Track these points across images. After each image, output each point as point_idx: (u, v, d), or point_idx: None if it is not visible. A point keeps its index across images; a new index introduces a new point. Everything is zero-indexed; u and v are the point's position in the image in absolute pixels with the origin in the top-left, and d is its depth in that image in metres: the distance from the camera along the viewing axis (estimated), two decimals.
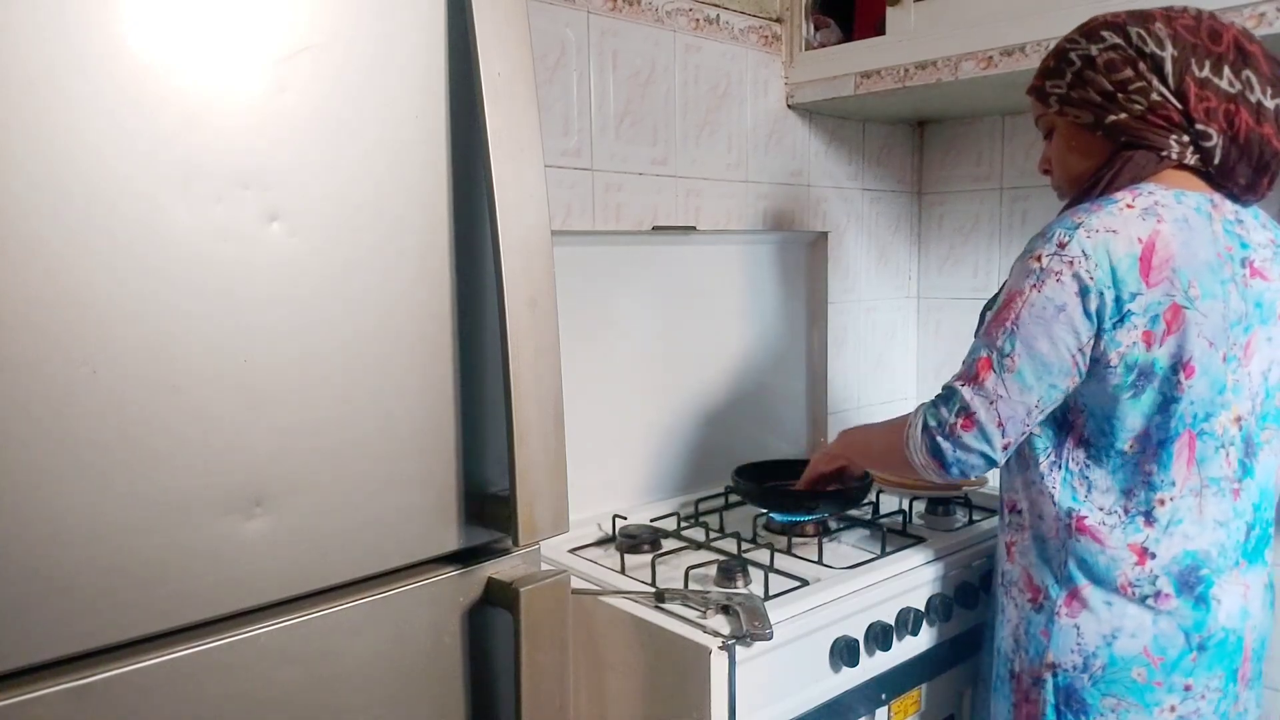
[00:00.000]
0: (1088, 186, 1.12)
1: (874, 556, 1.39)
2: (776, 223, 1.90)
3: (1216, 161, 1.08)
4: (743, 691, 1.13)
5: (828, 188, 2.00)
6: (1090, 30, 1.13)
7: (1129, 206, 1.06)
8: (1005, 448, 1.11)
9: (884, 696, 1.32)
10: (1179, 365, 1.05)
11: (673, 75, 1.67)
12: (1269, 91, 1.06)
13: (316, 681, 0.76)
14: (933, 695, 1.41)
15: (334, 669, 0.77)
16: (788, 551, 1.40)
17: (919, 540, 1.46)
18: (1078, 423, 1.12)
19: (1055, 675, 1.14)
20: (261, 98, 0.70)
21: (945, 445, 1.10)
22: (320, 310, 0.74)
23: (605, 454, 1.65)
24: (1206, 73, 1.05)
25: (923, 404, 1.15)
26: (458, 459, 0.84)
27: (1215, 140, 1.06)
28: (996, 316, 1.10)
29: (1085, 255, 1.03)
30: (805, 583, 1.27)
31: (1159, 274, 1.03)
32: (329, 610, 0.76)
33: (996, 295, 1.18)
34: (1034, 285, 1.06)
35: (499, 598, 0.85)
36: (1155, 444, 1.08)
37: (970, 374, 1.10)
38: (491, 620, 0.86)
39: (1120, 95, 1.08)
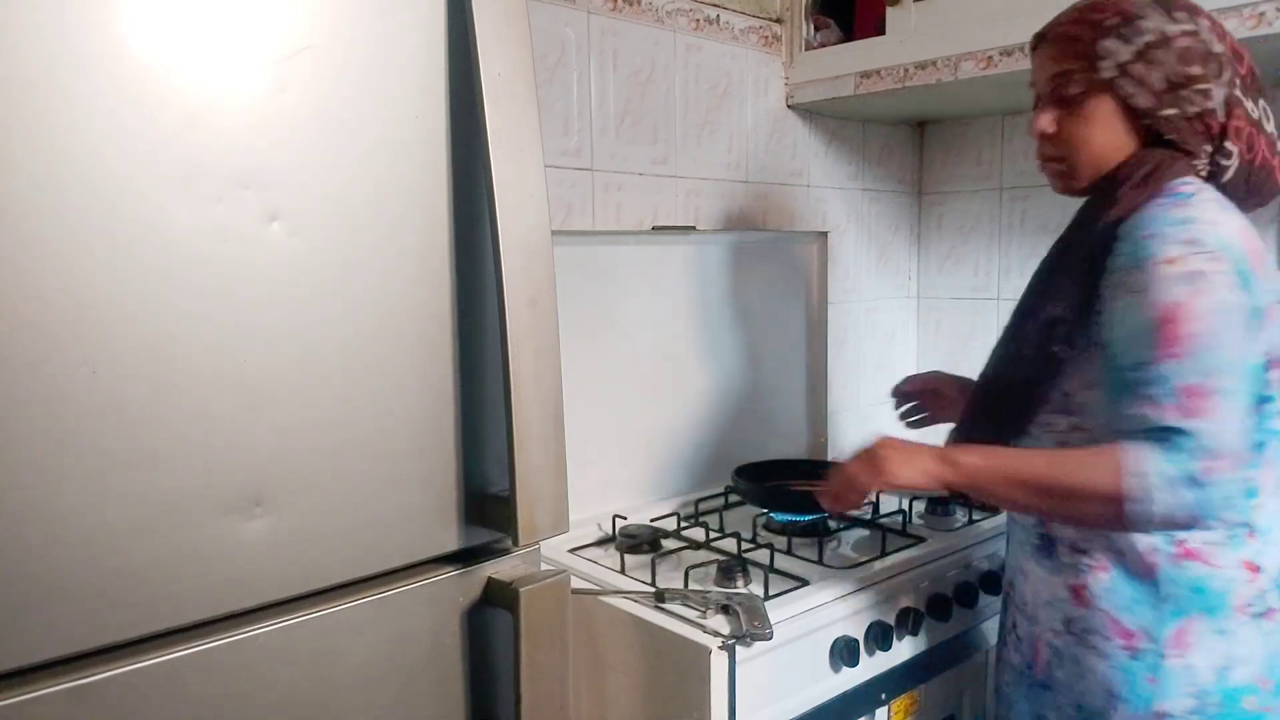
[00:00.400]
0: (1134, 185, 1.00)
1: (874, 556, 1.39)
2: (777, 223, 1.90)
3: (1222, 180, 1.03)
4: (743, 691, 1.13)
5: (828, 188, 2.00)
6: (1166, 4, 1.01)
7: (1208, 199, 0.98)
8: (1250, 479, 0.99)
9: (884, 696, 1.32)
10: (1270, 363, 0.98)
11: (673, 75, 1.67)
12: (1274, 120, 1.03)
13: (316, 681, 0.76)
14: (933, 695, 1.41)
15: (334, 669, 0.77)
16: (788, 551, 1.40)
17: (919, 540, 1.46)
18: None
19: None
20: (261, 98, 0.70)
21: (1205, 496, 0.91)
22: (320, 310, 0.74)
23: (605, 454, 1.65)
24: (1239, 91, 1.01)
25: (1129, 446, 0.94)
26: (458, 459, 0.84)
27: (1233, 162, 1.02)
28: (1166, 334, 0.93)
29: (1225, 248, 0.94)
30: (805, 583, 1.27)
31: (1261, 265, 0.97)
32: (329, 610, 0.76)
33: (1036, 300, 1.08)
34: (1193, 292, 0.93)
35: (499, 598, 0.85)
36: (1251, 448, 0.98)
37: (1188, 405, 0.92)
38: (491, 620, 0.86)
39: (1184, 90, 1.00)
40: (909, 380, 1.46)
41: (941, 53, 1.62)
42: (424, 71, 0.79)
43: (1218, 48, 1.00)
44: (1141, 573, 1.02)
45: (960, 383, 1.38)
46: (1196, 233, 0.94)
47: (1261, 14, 1.27)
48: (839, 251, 2.05)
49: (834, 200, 2.02)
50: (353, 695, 0.78)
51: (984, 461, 1.06)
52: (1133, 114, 1.02)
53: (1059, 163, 1.09)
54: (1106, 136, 1.04)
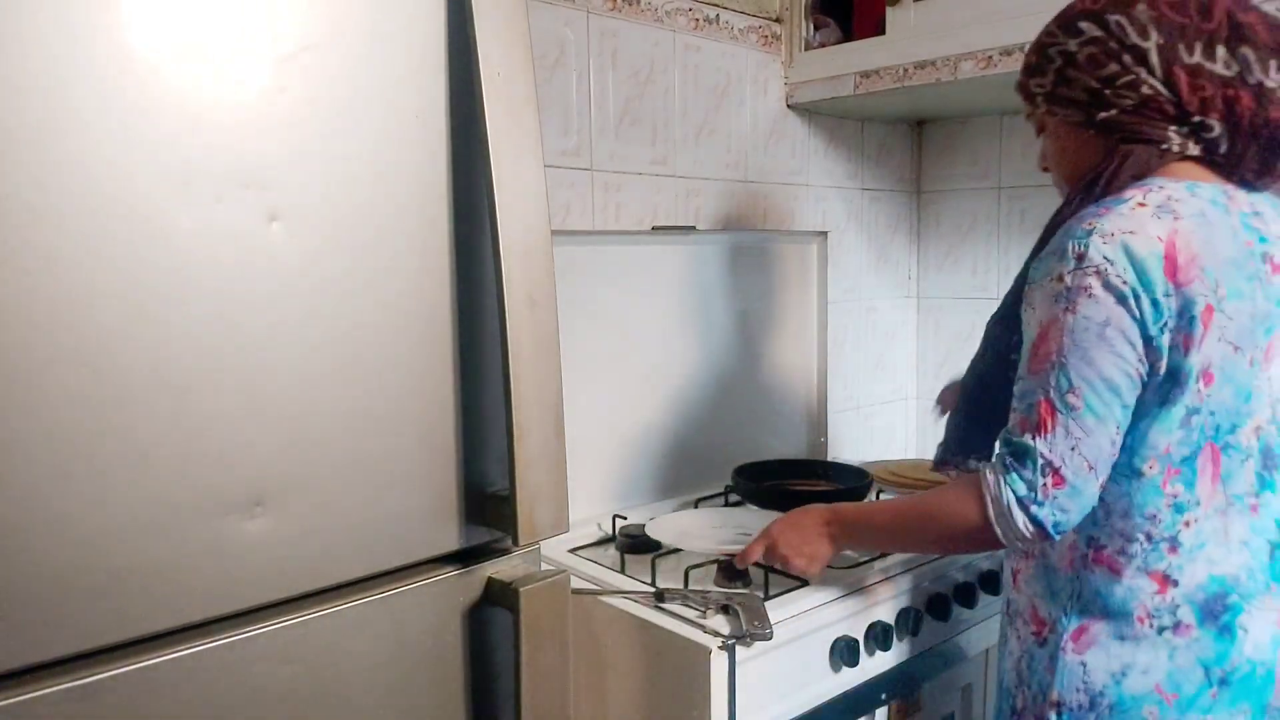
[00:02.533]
0: (1087, 185, 1.04)
1: (874, 556, 1.38)
2: (777, 222, 1.90)
3: (1223, 150, 1.00)
4: (743, 691, 1.13)
5: (827, 187, 2.00)
6: (1067, 22, 1.05)
7: (1141, 205, 0.97)
8: (1102, 487, 0.99)
9: (884, 696, 1.32)
10: (1202, 373, 0.96)
11: (672, 75, 1.67)
12: (1272, 67, 0.97)
13: (317, 681, 0.76)
14: (933, 695, 1.41)
15: (334, 668, 0.77)
16: None
17: None
18: None
19: (1060, 714, 1.04)
20: (261, 98, 0.70)
21: (1043, 512, 0.96)
22: (320, 310, 0.74)
23: (605, 454, 1.65)
24: (1198, 58, 0.98)
25: (987, 473, 1.00)
26: (458, 459, 0.84)
27: (1218, 130, 0.99)
28: (1036, 353, 0.98)
29: (1109, 261, 0.94)
30: (805, 583, 1.27)
31: (1188, 272, 0.94)
32: (329, 610, 0.76)
33: (1004, 313, 1.12)
34: (1066, 309, 0.95)
35: (499, 597, 0.85)
36: (1177, 461, 0.98)
37: (1034, 422, 0.97)
38: (491, 620, 0.86)
39: (1108, 91, 1.01)
40: (944, 394, 1.50)
41: (941, 53, 1.62)
42: (424, 71, 0.79)
43: (1134, 38, 0.99)
44: (1059, 565, 1.06)
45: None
46: (1085, 246, 0.95)
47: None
48: (839, 251, 2.05)
49: (833, 200, 2.02)
50: (353, 694, 0.78)
51: (858, 526, 1.20)
52: (1079, 128, 1.06)
53: (1056, 184, 1.16)
54: (1067, 153, 1.09)
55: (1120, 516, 1.01)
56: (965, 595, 1.41)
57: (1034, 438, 0.97)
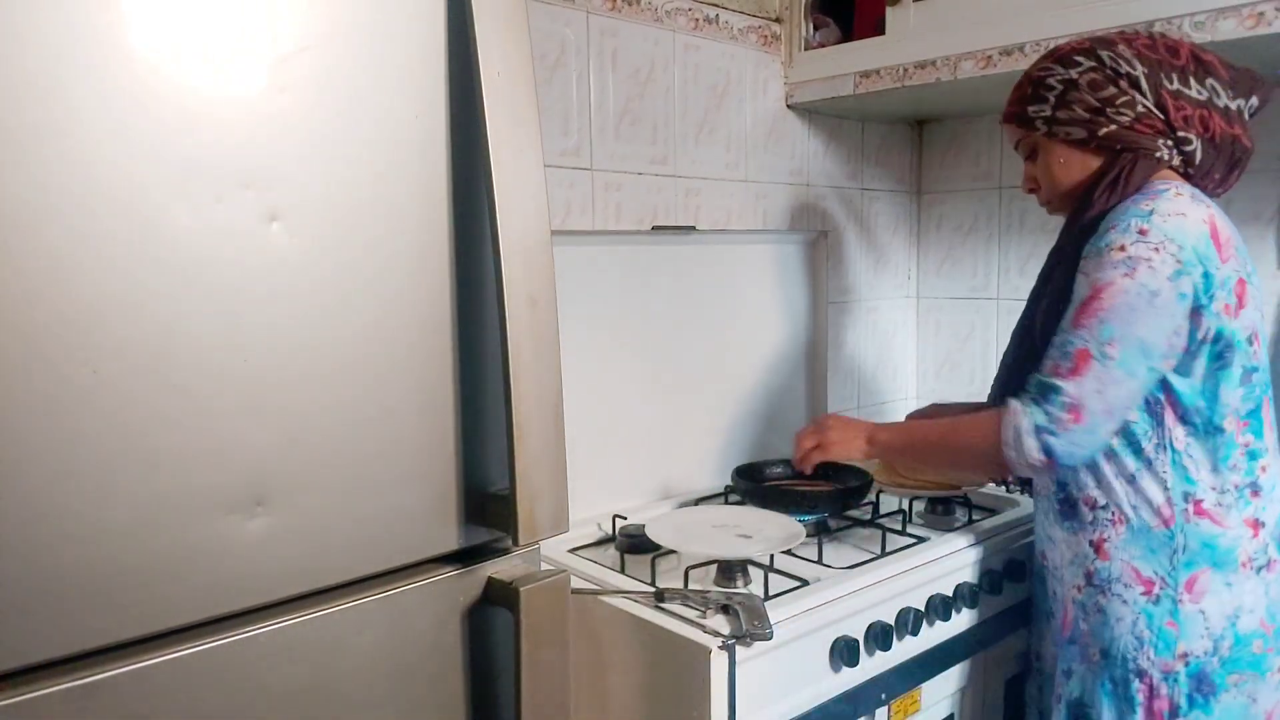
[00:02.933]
0: (1106, 187, 1.16)
1: (874, 556, 1.39)
2: (776, 222, 1.90)
3: (1197, 162, 1.17)
4: (743, 691, 1.13)
5: (827, 187, 2.01)
6: (1062, 58, 1.20)
7: (1179, 194, 1.11)
8: (1111, 434, 1.13)
9: (884, 696, 1.32)
10: (1252, 336, 1.12)
11: (672, 75, 1.67)
12: (1231, 94, 1.15)
13: (317, 680, 0.76)
14: (933, 695, 1.41)
15: (335, 668, 0.77)
16: (788, 551, 1.40)
17: (919, 540, 1.46)
18: (1175, 403, 1.14)
19: (1188, 664, 1.14)
20: (261, 98, 0.70)
21: (1057, 442, 1.10)
22: (320, 310, 0.74)
23: (605, 454, 1.65)
24: (1176, 85, 1.14)
25: (1012, 402, 1.15)
26: (458, 459, 0.84)
27: (1195, 144, 1.16)
28: (1086, 307, 1.10)
29: (1169, 239, 1.07)
30: (805, 583, 1.27)
31: (1228, 250, 1.10)
32: (330, 609, 0.76)
33: (1042, 291, 1.23)
34: (1125, 274, 1.08)
35: (499, 597, 0.85)
36: (1246, 414, 1.13)
37: (1069, 366, 1.10)
38: (491, 620, 0.86)
39: (1109, 109, 1.16)
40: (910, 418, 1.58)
41: (941, 52, 1.62)
42: (424, 71, 0.79)
43: (1126, 68, 1.15)
44: (1154, 525, 1.16)
45: (959, 407, 1.50)
46: (1149, 224, 1.09)
47: (1261, 14, 1.27)
48: (839, 251, 2.05)
49: (833, 200, 2.02)
50: (353, 694, 0.78)
51: (894, 438, 1.40)
52: (1080, 144, 1.20)
53: (1047, 200, 1.29)
54: (1067, 167, 1.22)
55: (1210, 471, 1.14)
56: (965, 595, 1.41)
57: (1065, 379, 1.10)
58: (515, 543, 0.83)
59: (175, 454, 0.67)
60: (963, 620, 1.42)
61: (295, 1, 0.72)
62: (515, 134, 0.81)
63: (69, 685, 0.64)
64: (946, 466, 1.38)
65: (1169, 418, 1.14)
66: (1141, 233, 1.08)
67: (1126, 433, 1.16)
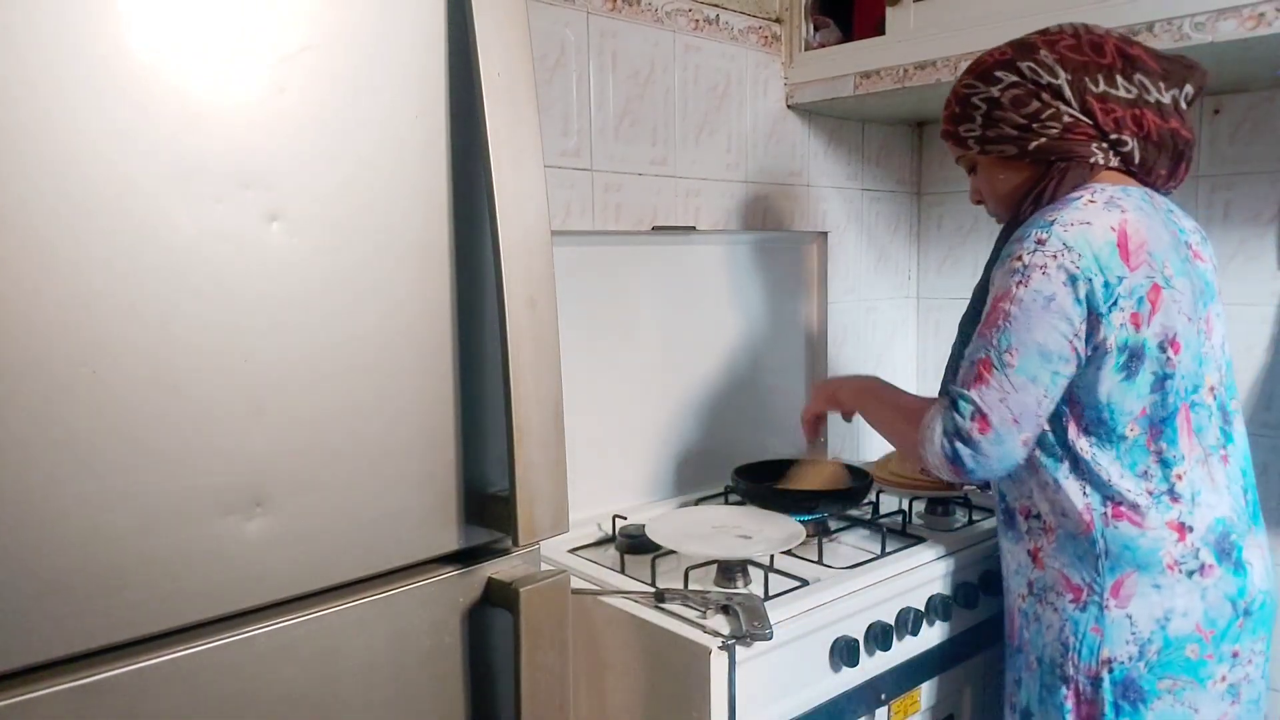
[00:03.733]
0: (1031, 200, 1.16)
1: (874, 556, 1.39)
2: (776, 223, 1.90)
3: (1137, 161, 1.15)
4: (743, 691, 1.13)
5: (827, 188, 2.00)
6: (983, 73, 1.19)
7: (1091, 202, 1.10)
8: (1025, 443, 1.10)
9: (884, 696, 1.32)
10: (1166, 343, 1.09)
11: (672, 75, 1.67)
12: (1162, 87, 1.13)
13: (317, 681, 0.76)
14: (933, 695, 1.41)
15: (334, 668, 0.77)
16: (788, 551, 1.40)
17: (919, 540, 1.46)
18: (1076, 414, 1.13)
19: (1112, 670, 1.13)
20: (261, 98, 0.70)
21: (965, 452, 1.10)
22: (320, 310, 0.74)
23: (605, 454, 1.65)
24: (1103, 87, 1.12)
25: (937, 405, 1.14)
26: (458, 459, 0.84)
27: (1131, 144, 1.14)
28: (987, 319, 1.11)
29: (1067, 247, 1.06)
30: (805, 583, 1.27)
31: (1137, 257, 1.08)
32: (330, 610, 0.76)
33: (974, 306, 1.22)
34: (1019, 282, 1.08)
35: (499, 598, 0.85)
36: (1158, 422, 1.11)
37: (972, 375, 1.10)
38: (491, 620, 0.86)
39: (1035, 124, 1.15)
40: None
41: (941, 53, 1.62)
42: (424, 72, 0.79)
43: (1048, 78, 1.13)
44: (1080, 532, 1.15)
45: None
46: (1049, 233, 1.08)
47: (1261, 14, 1.27)
48: (839, 251, 2.05)
49: (833, 200, 2.02)
50: (353, 694, 0.78)
51: (869, 395, 1.37)
52: (1014, 159, 1.19)
53: (992, 212, 1.30)
54: (1005, 183, 1.22)
55: (1119, 476, 1.12)
56: (965, 595, 1.41)
57: (970, 388, 1.10)
58: (515, 543, 0.83)
59: (175, 454, 0.67)
60: (963, 620, 1.42)
61: (295, 2, 0.72)
62: (515, 134, 0.81)
63: (69, 685, 0.64)
64: (894, 444, 1.34)
65: (1072, 429, 1.13)
66: (1039, 242, 1.07)
67: (1043, 442, 1.15)
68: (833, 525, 1.54)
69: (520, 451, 0.82)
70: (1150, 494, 1.12)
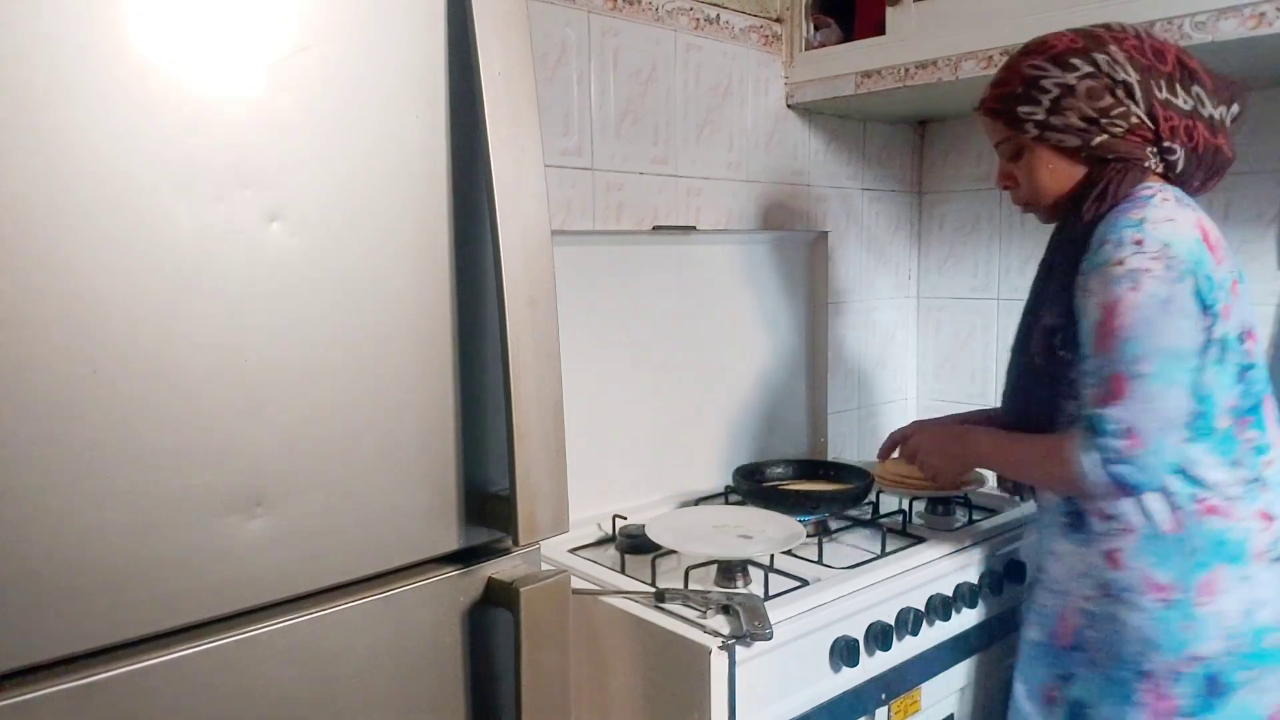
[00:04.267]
0: (1094, 199, 1.14)
1: (874, 556, 1.39)
2: (777, 223, 1.90)
3: (1178, 170, 1.16)
4: (743, 691, 1.13)
5: (828, 187, 2.00)
6: (1056, 57, 1.16)
7: (1165, 199, 1.10)
8: (1179, 443, 1.10)
9: (884, 696, 1.32)
10: (1244, 335, 1.12)
11: (673, 75, 1.67)
12: (1214, 102, 1.15)
13: (317, 681, 0.76)
14: (933, 695, 1.41)
15: (334, 668, 0.77)
16: (788, 551, 1.40)
17: (919, 540, 1.46)
18: None
19: (1198, 665, 1.12)
20: (261, 97, 0.70)
21: (1126, 470, 1.08)
22: (321, 310, 0.74)
23: (605, 454, 1.65)
24: (1165, 94, 1.13)
25: (1076, 435, 1.11)
26: (458, 459, 0.84)
27: (1178, 154, 1.15)
28: (1103, 330, 1.09)
29: (1167, 245, 1.06)
30: (805, 583, 1.27)
31: (1219, 252, 1.10)
32: (330, 610, 0.76)
33: (1035, 310, 1.22)
34: (1130, 288, 1.06)
35: (499, 597, 0.85)
36: (1245, 411, 1.13)
37: (1108, 393, 1.08)
38: (492, 620, 0.86)
39: (1103, 120, 1.14)
40: (891, 438, 1.50)
41: (942, 52, 1.62)
42: (424, 71, 0.79)
43: (1122, 75, 1.13)
44: (1165, 529, 1.14)
45: (939, 421, 1.50)
46: (1143, 233, 1.07)
47: (1262, 14, 1.27)
48: (839, 251, 2.05)
49: (834, 200, 2.02)
50: (353, 694, 0.78)
51: (979, 446, 1.32)
52: (1071, 152, 1.17)
53: (1025, 202, 1.27)
54: (1055, 175, 1.20)
55: (1213, 467, 1.13)
56: (965, 595, 1.41)
57: (1108, 406, 1.08)
58: (515, 543, 0.83)
59: (175, 454, 0.67)
60: (963, 620, 1.42)
61: (295, 1, 0.72)
62: (515, 134, 0.81)
63: (69, 685, 0.64)
64: (1035, 484, 1.30)
65: None
66: (1137, 243, 1.07)
67: None
68: (833, 525, 1.54)
69: (520, 451, 0.82)
70: (1243, 483, 1.13)
